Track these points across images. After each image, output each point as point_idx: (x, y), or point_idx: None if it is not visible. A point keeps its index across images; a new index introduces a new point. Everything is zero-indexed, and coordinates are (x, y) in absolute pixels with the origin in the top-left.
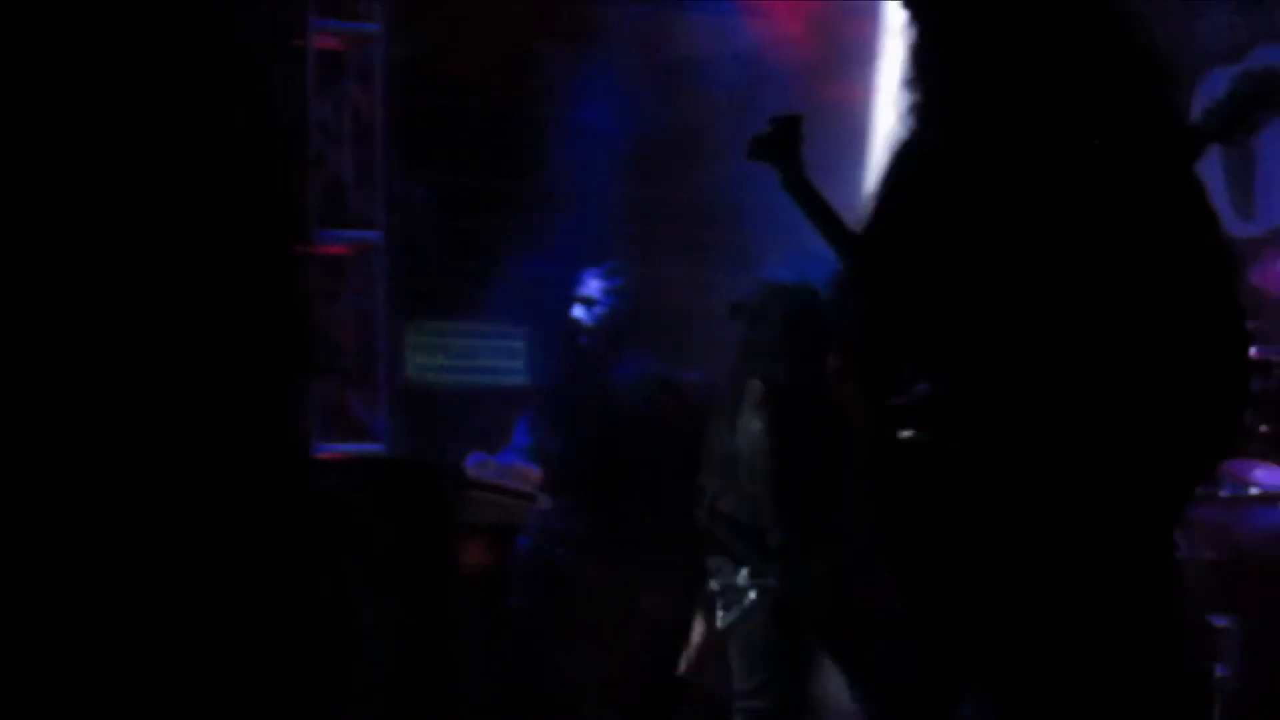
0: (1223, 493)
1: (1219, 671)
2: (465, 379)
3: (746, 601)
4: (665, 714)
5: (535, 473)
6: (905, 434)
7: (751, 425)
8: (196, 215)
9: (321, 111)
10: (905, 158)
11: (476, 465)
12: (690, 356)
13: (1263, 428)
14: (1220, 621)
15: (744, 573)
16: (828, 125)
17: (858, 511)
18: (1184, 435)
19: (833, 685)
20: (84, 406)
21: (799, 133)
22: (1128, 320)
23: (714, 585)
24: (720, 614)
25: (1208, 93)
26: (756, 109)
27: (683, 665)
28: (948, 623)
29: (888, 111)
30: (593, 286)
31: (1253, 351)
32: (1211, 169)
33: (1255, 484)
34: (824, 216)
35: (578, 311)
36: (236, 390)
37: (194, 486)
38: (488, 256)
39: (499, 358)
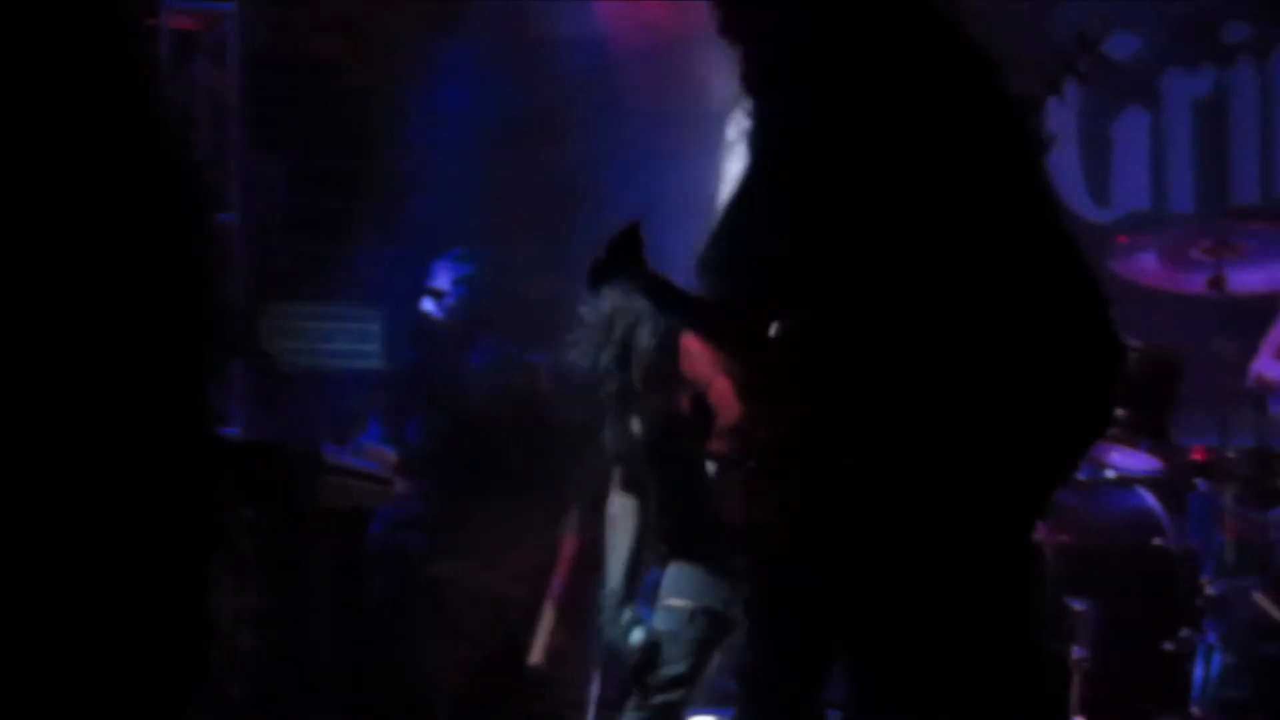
0: (1079, 476)
1: (1075, 653)
2: (320, 362)
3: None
4: (516, 703)
5: (391, 455)
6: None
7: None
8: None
9: (174, 92)
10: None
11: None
12: (544, 339)
13: (1120, 412)
14: (1076, 604)
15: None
16: (684, 109)
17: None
18: (1055, 433)
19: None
20: None
21: (638, 240)
22: (992, 321)
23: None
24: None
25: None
26: (611, 91)
27: (534, 655)
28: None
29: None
30: (441, 278)
31: None
32: (1068, 157)
33: (1112, 467)
34: (684, 304)
35: (427, 305)
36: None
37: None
38: (342, 239)
39: (353, 341)
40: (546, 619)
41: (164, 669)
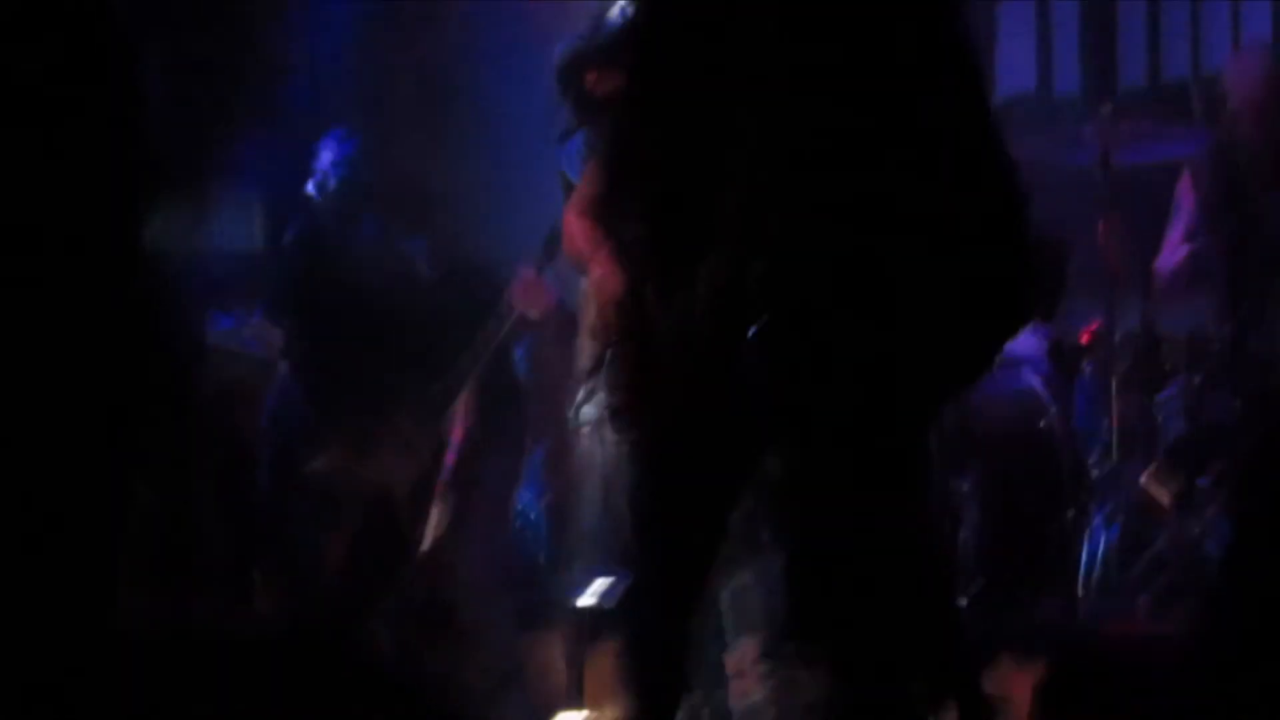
0: None
1: (960, 534)
2: (202, 245)
3: None
4: (402, 593)
5: (278, 335)
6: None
7: None
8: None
9: None
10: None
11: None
12: (424, 222)
13: None
14: (962, 485)
15: None
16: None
17: None
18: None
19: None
20: None
21: None
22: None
23: None
24: None
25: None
26: None
27: (424, 543)
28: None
29: None
30: (324, 159)
31: None
32: None
33: None
34: None
35: (310, 188)
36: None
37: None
38: (224, 122)
39: (231, 223)
40: (436, 507)
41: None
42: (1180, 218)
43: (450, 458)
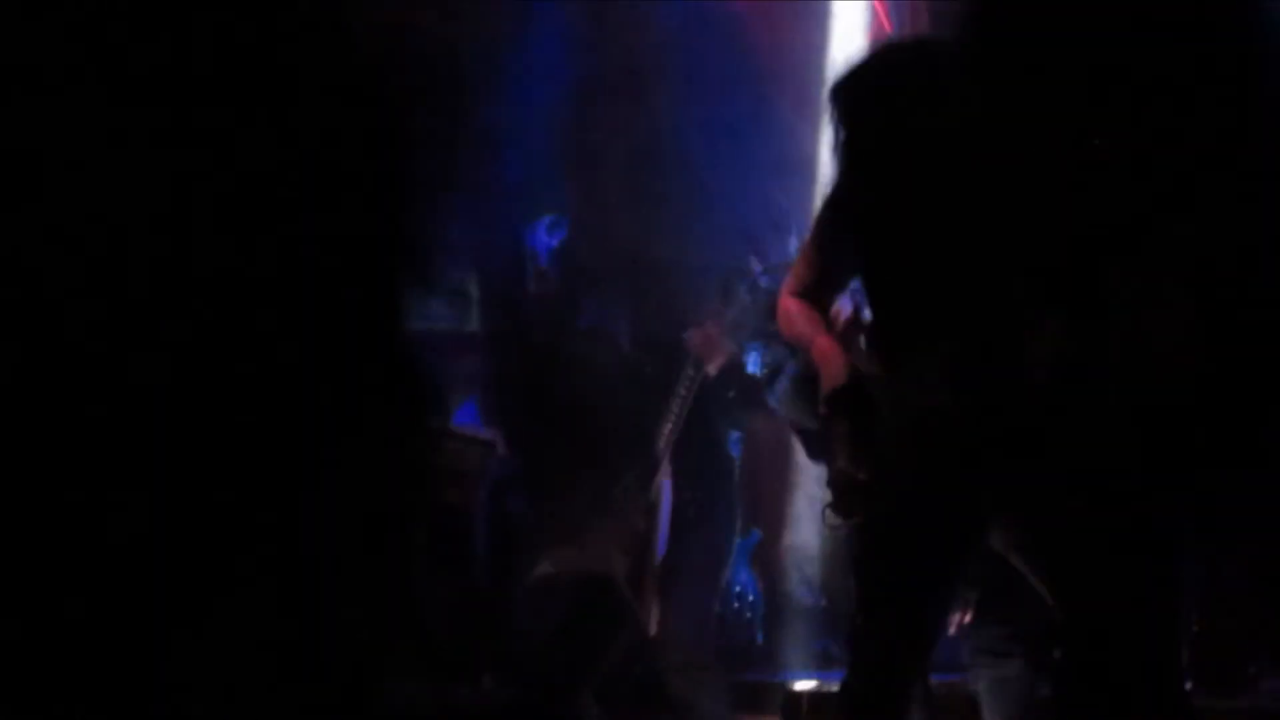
0: None
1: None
2: (420, 325)
3: None
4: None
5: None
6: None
7: None
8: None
9: None
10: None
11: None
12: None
13: None
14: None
15: None
16: (774, 68)
17: None
18: None
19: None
20: None
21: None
22: None
23: None
24: None
25: None
26: (698, 51)
27: (650, 627)
28: None
29: (836, 57)
30: (539, 247)
31: None
32: None
33: None
34: None
35: (528, 279)
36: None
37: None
38: (438, 199)
39: (450, 304)
40: (650, 588)
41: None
42: None
43: (661, 534)
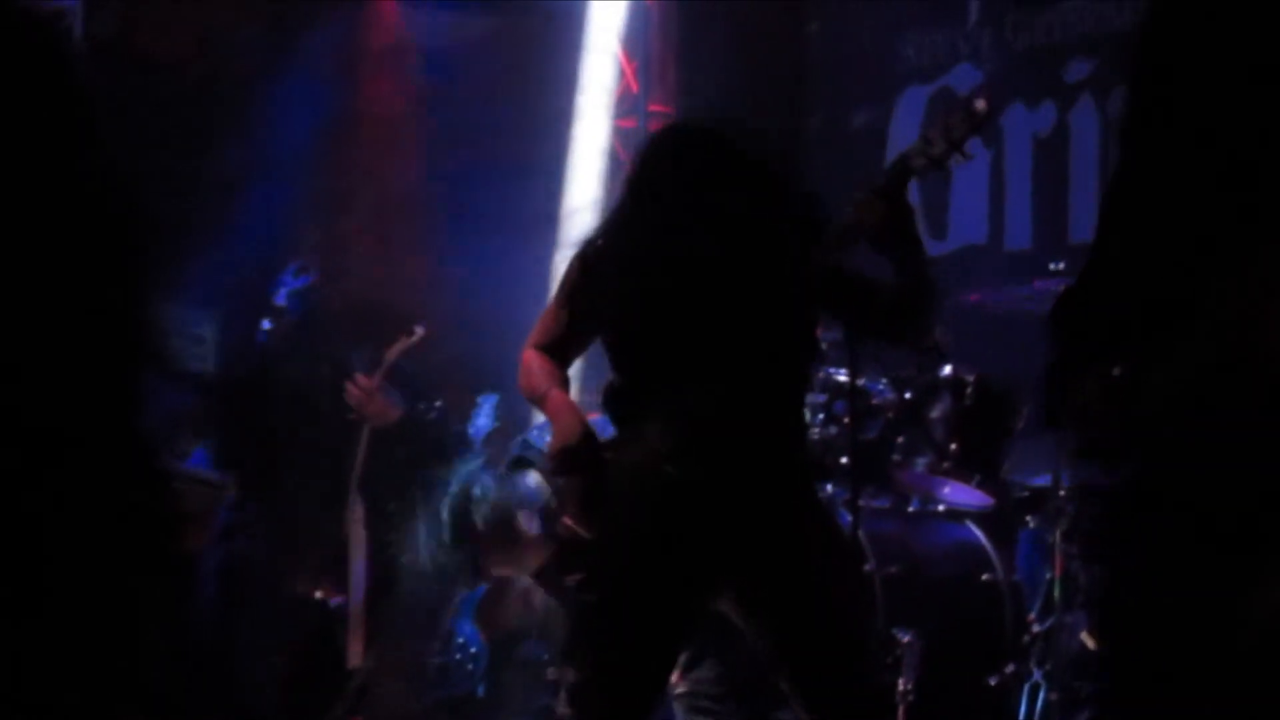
0: (910, 508)
1: (901, 684)
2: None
3: None
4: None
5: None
6: None
7: None
8: None
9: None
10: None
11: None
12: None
13: (953, 445)
14: (903, 635)
15: None
16: (523, 122)
17: None
18: None
19: None
20: None
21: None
22: None
23: None
24: None
25: (907, 108)
26: (451, 102)
27: (353, 658)
28: None
29: (586, 120)
30: (281, 294)
31: (947, 370)
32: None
33: (942, 500)
34: None
35: (266, 324)
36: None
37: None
38: (177, 240)
39: (186, 344)
40: (356, 618)
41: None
42: None
43: (357, 567)
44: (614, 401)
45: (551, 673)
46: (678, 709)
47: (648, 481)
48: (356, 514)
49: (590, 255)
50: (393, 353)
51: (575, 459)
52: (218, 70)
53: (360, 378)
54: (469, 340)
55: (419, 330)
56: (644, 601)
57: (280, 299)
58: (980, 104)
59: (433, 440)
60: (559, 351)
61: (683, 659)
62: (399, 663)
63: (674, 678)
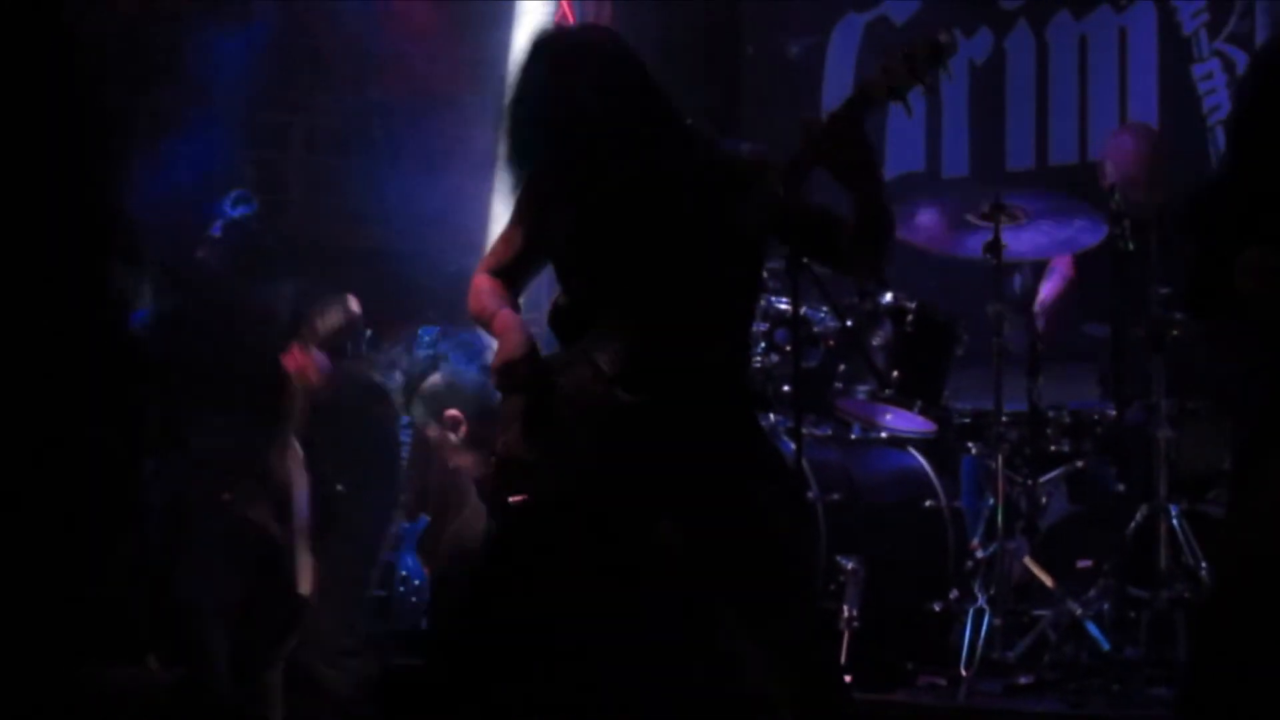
0: (852, 436)
1: (845, 610)
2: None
3: None
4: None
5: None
6: None
7: None
8: None
9: None
10: None
11: None
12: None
13: (895, 373)
14: (847, 562)
15: None
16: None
17: None
18: None
19: None
20: None
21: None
22: None
23: None
24: None
25: (843, 37)
26: (381, 37)
27: (302, 585)
28: None
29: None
30: (217, 225)
31: (888, 297)
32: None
33: (884, 428)
34: None
35: (201, 252)
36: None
37: None
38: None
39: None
40: (301, 546)
41: None
42: (1051, 279)
43: (301, 492)
44: (561, 322)
45: None
46: None
47: (594, 404)
48: (296, 455)
49: (542, 178)
50: (324, 325)
51: (519, 377)
52: (152, 6)
53: (295, 350)
54: (409, 272)
55: (353, 306)
56: (586, 526)
57: (216, 230)
58: (944, 36)
59: (365, 387)
60: (510, 275)
61: None
62: (336, 596)
63: None
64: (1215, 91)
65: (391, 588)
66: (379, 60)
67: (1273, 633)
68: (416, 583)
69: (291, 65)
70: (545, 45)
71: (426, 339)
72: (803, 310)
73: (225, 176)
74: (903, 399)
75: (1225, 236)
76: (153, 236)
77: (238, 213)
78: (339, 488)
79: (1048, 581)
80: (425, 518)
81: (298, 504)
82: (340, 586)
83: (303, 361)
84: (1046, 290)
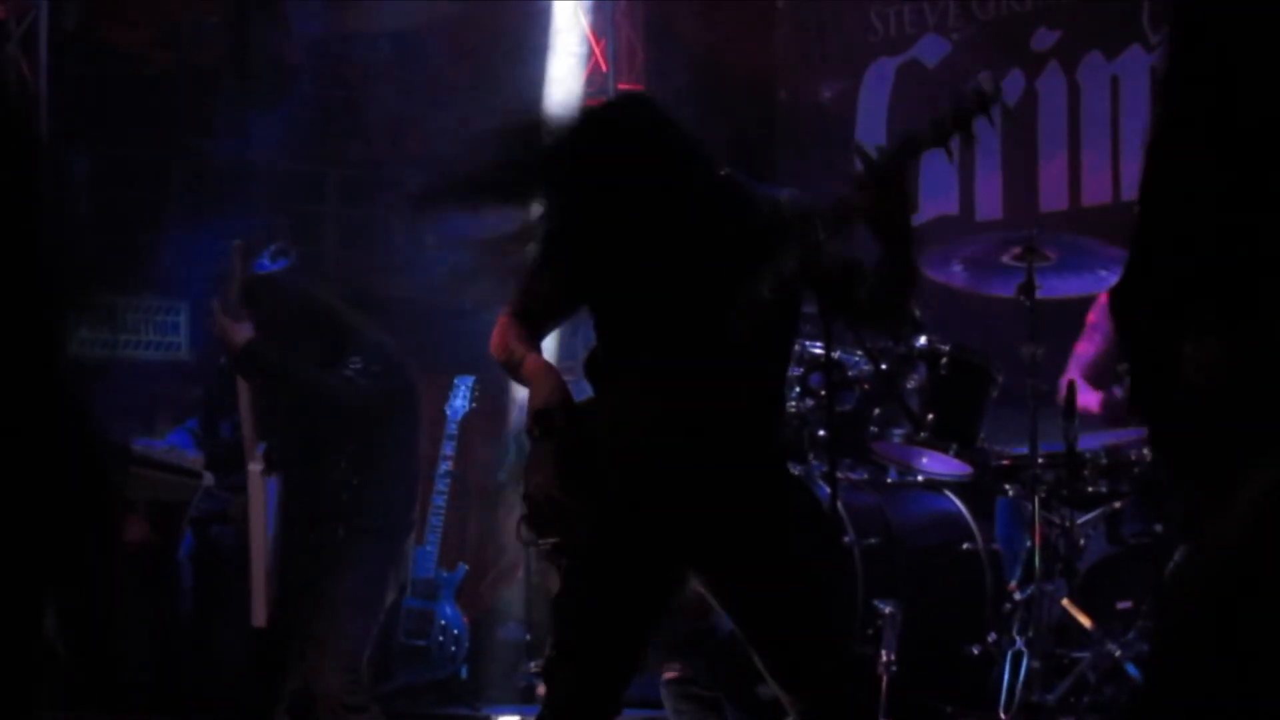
0: (888, 479)
1: (882, 655)
2: (128, 353)
3: None
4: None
5: (195, 457)
6: None
7: None
8: None
9: None
10: None
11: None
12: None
13: (930, 415)
14: (884, 606)
15: None
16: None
17: None
18: None
19: None
20: None
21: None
22: None
23: None
24: None
25: (875, 80)
26: (412, 86)
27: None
28: None
29: (554, 97)
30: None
31: (923, 340)
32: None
33: (920, 471)
34: None
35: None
36: None
37: None
38: (149, 228)
39: (161, 332)
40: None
41: None
42: (1092, 338)
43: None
44: (596, 368)
45: (534, 665)
46: (666, 697)
47: (627, 448)
48: (255, 462)
49: (571, 223)
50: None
51: (553, 421)
52: (184, 59)
53: (217, 313)
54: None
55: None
56: (618, 569)
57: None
58: (989, 87)
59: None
60: (535, 320)
61: (668, 646)
62: (336, 656)
63: (663, 665)
64: None
65: (431, 636)
66: (412, 113)
67: (1233, 626)
68: (455, 632)
69: (323, 114)
70: (587, 119)
71: (462, 388)
72: (837, 354)
73: (260, 229)
74: (938, 442)
75: (1153, 330)
76: (190, 287)
77: (277, 266)
78: (339, 531)
79: (1086, 623)
80: (464, 566)
81: (254, 528)
82: (343, 641)
83: (219, 320)
84: (1085, 350)
